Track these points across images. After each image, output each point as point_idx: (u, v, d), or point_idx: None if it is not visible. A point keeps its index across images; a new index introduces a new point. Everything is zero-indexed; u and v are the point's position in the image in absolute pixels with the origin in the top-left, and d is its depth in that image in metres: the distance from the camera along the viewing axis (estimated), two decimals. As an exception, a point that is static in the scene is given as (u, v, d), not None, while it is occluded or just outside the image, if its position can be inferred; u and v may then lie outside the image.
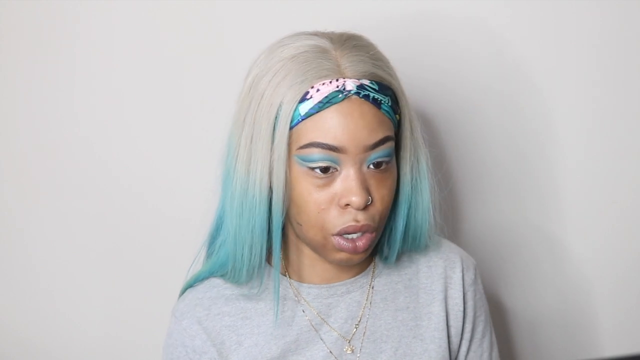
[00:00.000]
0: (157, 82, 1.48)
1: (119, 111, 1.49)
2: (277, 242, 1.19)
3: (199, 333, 1.22)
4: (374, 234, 1.16)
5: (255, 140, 1.15)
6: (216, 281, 1.25)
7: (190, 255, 1.30)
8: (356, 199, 1.12)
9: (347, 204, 1.14)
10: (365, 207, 1.14)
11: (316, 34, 1.18)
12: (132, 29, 1.47)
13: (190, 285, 1.27)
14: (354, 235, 1.15)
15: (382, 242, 1.25)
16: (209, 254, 1.28)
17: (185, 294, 1.27)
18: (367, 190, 1.14)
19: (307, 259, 1.23)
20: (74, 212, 1.51)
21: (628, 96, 1.53)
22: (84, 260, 1.52)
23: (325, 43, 1.15)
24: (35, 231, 1.52)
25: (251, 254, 1.19)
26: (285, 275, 1.25)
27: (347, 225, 1.14)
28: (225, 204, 1.22)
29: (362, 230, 1.15)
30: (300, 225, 1.18)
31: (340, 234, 1.15)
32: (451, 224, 1.48)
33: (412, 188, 1.21)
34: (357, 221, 1.14)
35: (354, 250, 1.16)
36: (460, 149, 1.53)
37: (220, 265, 1.24)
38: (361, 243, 1.16)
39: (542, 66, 1.51)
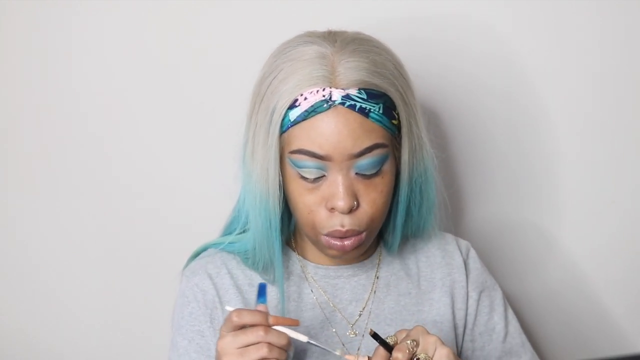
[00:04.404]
0: (157, 84, 1.49)
1: (118, 112, 1.49)
2: (277, 243, 1.21)
3: (210, 288, 1.25)
4: (362, 235, 1.19)
5: (256, 139, 1.19)
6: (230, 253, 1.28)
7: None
8: (341, 203, 1.16)
9: (333, 208, 1.17)
10: (351, 211, 1.17)
11: (323, 36, 1.20)
12: (129, 29, 1.47)
13: (202, 250, 1.30)
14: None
15: (387, 232, 1.28)
16: (226, 231, 1.30)
17: (197, 257, 1.30)
18: (354, 195, 1.17)
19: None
20: (73, 213, 1.51)
21: (629, 96, 1.54)
22: (83, 260, 1.53)
23: (326, 48, 1.17)
24: (35, 232, 1.52)
25: (262, 251, 1.23)
26: (295, 252, 1.28)
27: (333, 229, 1.18)
28: (243, 192, 1.25)
29: (347, 235, 1.18)
30: (296, 220, 1.23)
31: (328, 235, 1.19)
32: (453, 219, 1.50)
33: (412, 188, 1.23)
34: (342, 226, 1.17)
35: (342, 249, 1.19)
36: (464, 146, 1.54)
37: (245, 251, 1.27)
38: (349, 242, 1.19)
39: (542, 65, 1.52)
